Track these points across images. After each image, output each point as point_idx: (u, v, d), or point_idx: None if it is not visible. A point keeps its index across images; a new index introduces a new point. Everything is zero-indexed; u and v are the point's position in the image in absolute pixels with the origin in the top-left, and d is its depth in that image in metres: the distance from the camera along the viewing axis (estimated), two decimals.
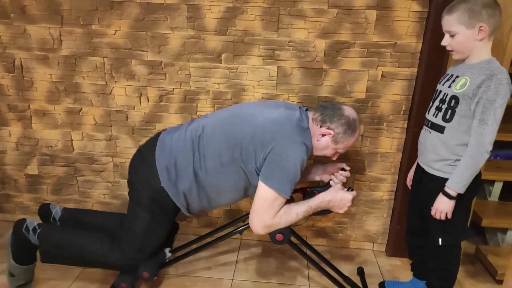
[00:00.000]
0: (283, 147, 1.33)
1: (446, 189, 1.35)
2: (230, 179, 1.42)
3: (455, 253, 1.49)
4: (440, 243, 1.44)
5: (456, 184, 1.32)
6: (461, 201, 1.36)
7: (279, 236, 1.40)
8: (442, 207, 1.36)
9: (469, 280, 1.86)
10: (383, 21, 1.71)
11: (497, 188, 2.15)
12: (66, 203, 2.13)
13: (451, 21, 1.28)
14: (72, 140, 2.01)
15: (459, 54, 1.33)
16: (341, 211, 1.43)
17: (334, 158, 1.53)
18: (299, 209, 1.39)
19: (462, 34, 1.27)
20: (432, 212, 1.40)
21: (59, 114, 1.97)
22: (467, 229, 1.47)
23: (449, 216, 1.37)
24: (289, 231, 1.41)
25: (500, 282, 1.82)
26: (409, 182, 1.64)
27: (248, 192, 1.50)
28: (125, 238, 1.50)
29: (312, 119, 1.45)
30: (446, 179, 1.36)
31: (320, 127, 1.43)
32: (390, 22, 1.71)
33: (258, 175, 1.39)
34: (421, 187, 1.50)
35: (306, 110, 1.50)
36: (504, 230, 2.02)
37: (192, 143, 1.43)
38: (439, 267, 1.50)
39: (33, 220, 1.55)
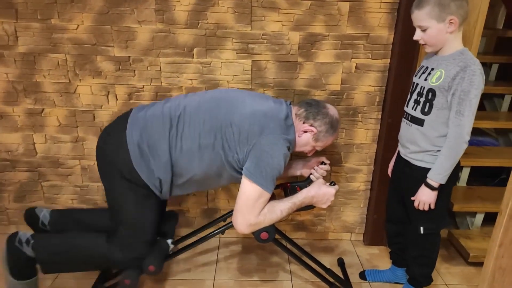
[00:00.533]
0: (268, 142, 1.30)
1: (428, 180, 1.37)
2: (204, 164, 1.35)
3: (436, 241, 1.54)
4: (422, 231, 1.48)
5: (438, 175, 1.35)
6: (442, 190, 1.39)
7: (264, 235, 1.37)
8: (425, 198, 1.39)
9: (443, 264, 1.93)
10: (356, 13, 1.71)
11: (465, 173, 2.23)
12: None
13: (421, 16, 1.29)
14: (34, 143, 1.88)
15: (432, 47, 1.35)
16: (325, 206, 1.43)
17: (310, 155, 1.53)
18: (283, 206, 1.37)
19: (434, 28, 1.28)
20: (416, 204, 1.43)
21: (19, 116, 1.83)
22: (446, 217, 1.51)
23: (432, 206, 1.40)
24: (274, 229, 1.39)
25: (473, 264, 1.90)
26: (390, 172, 1.66)
27: (220, 182, 1.46)
28: (118, 231, 1.41)
29: (296, 114, 1.42)
30: (428, 169, 1.38)
31: (303, 123, 1.41)
32: (363, 14, 1.71)
33: (237, 167, 1.36)
34: (403, 178, 1.52)
35: (290, 104, 1.47)
36: (473, 214, 2.11)
37: (170, 120, 1.35)
38: (421, 255, 1.54)
39: (26, 232, 1.45)
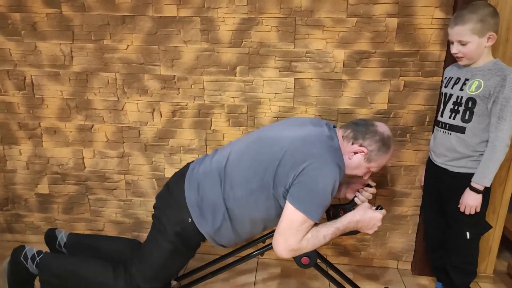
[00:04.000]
0: (314, 168, 1.25)
1: (473, 184, 1.42)
2: (261, 206, 1.33)
3: (478, 247, 1.57)
4: (468, 236, 1.50)
5: (483, 178, 1.40)
6: (484, 194, 1.43)
7: (305, 260, 1.31)
8: (472, 202, 1.43)
9: None
10: (405, 29, 1.64)
11: None
12: (77, 222, 2.07)
13: (464, 32, 1.36)
14: (83, 157, 1.96)
15: (469, 60, 1.42)
16: (370, 232, 1.34)
17: (366, 178, 1.44)
18: (327, 232, 1.29)
19: (474, 43, 1.37)
20: (462, 208, 1.46)
21: (70, 131, 1.92)
22: (486, 221, 1.55)
23: (478, 209, 1.43)
24: (315, 254, 1.32)
25: None
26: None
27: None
28: (137, 268, 1.41)
29: (343, 136, 1.37)
30: (470, 174, 1.43)
31: (352, 144, 1.34)
32: (412, 30, 1.64)
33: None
34: (442, 187, 1.55)
35: (334, 127, 1.42)
36: None
37: (218, 174, 1.36)
38: (464, 262, 1.55)
39: (32, 247, 1.48)
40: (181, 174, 1.45)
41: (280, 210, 1.32)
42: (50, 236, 1.62)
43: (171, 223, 1.38)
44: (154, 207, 1.48)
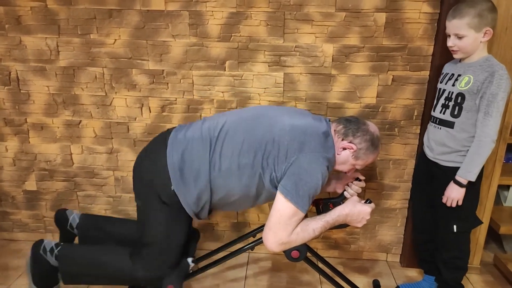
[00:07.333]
0: (308, 160, 1.25)
1: (458, 178, 1.43)
2: (243, 182, 1.32)
3: (467, 242, 1.57)
4: (455, 230, 1.50)
5: (467, 173, 1.41)
6: (472, 189, 1.44)
7: (295, 253, 1.32)
8: (454, 195, 1.44)
9: None
10: (393, 24, 1.65)
11: None
12: None
13: (461, 25, 1.36)
14: (71, 153, 1.93)
15: (464, 54, 1.42)
16: (359, 225, 1.36)
17: (349, 174, 1.47)
18: (316, 225, 1.30)
19: (471, 37, 1.37)
20: (444, 200, 1.47)
21: (58, 127, 1.90)
22: (477, 216, 1.55)
23: (460, 203, 1.44)
24: (305, 248, 1.33)
25: None
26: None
27: (258, 201, 1.42)
28: (143, 249, 1.40)
29: (334, 130, 1.37)
30: (458, 168, 1.44)
31: (342, 140, 1.35)
32: (400, 25, 1.65)
33: (274, 184, 1.31)
34: (433, 180, 1.56)
35: (329, 121, 1.43)
36: None
37: (210, 141, 1.33)
38: (453, 257, 1.55)
39: (51, 240, 1.47)
40: (161, 139, 1.41)
41: (260, 190, 1.34)
42: (61, 217, 1.59)
43: (152, 192, 1.35)
44: (133, 177, 1.44)
